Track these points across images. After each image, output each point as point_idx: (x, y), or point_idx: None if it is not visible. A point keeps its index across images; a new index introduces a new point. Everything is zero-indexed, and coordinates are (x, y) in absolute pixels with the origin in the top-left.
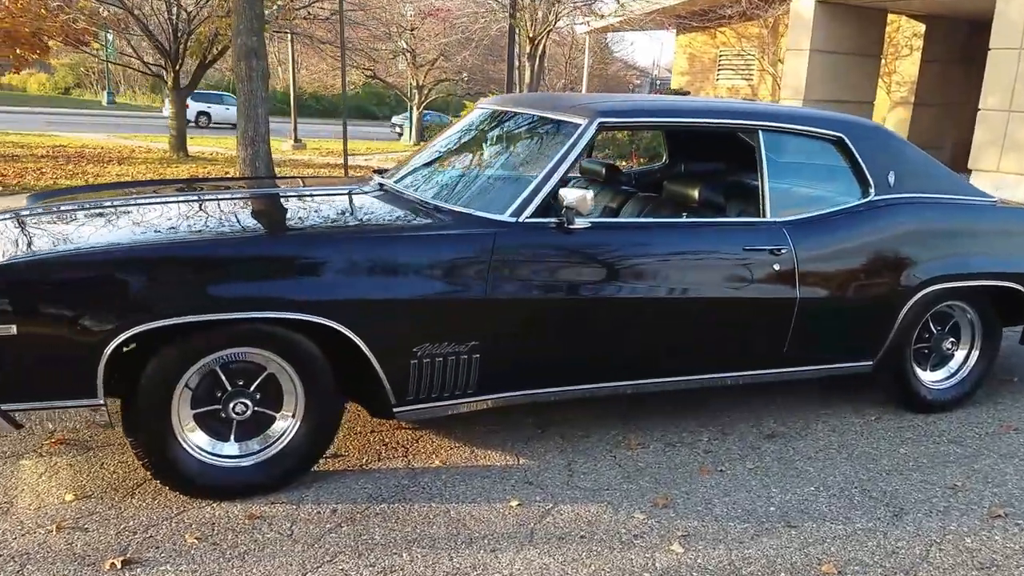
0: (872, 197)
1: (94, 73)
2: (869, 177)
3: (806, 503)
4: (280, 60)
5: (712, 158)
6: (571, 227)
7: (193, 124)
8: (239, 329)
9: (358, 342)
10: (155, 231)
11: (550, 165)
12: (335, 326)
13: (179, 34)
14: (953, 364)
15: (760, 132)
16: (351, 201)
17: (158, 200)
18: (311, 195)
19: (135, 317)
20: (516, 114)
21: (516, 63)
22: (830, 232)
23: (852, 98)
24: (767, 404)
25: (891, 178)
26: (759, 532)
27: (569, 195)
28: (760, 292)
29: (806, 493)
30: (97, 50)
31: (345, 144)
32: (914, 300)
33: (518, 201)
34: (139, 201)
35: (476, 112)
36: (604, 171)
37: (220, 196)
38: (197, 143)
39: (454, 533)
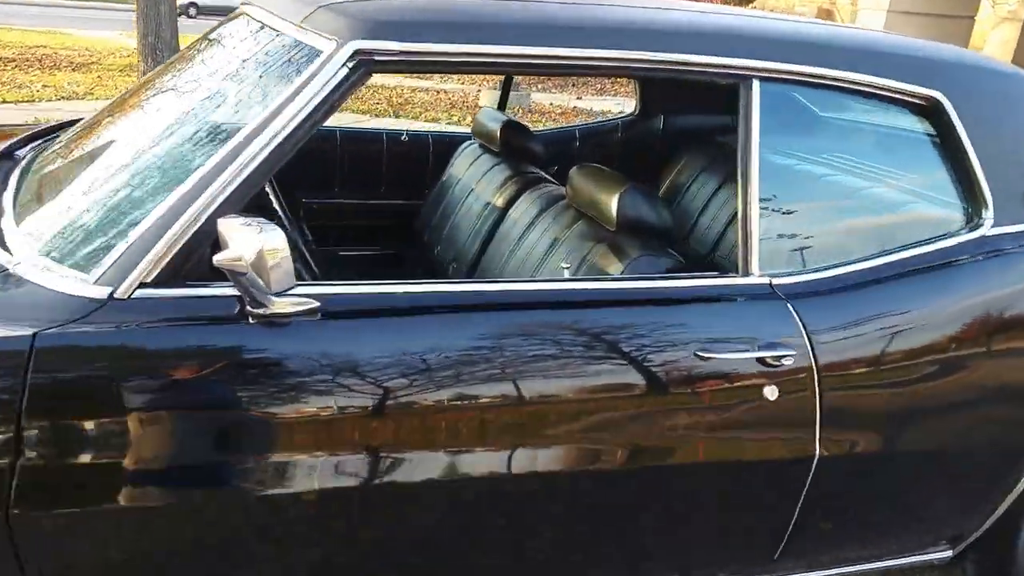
0: (987, 230)
1: None
2: (985, 186)
3: None
4: None
5: (719, 107)
6: (262, 312)
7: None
8: None
9: None
10: None
11: (221, 155)
12: None
13: None
14: None
15: (755, 83)
16: None
17: None
18: None
19: None
20: (260, 25)
21: None
22: (891, 308)
23: (947, 11)
24: None
25: None
26: None
27: (237, 239)
28: (730, 449)
29: None
30: None
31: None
32: None
33: (121, 251)
34: None
35: (229, 23)
36: (499, 133)
37: None
38: (184, 40)
39: None
